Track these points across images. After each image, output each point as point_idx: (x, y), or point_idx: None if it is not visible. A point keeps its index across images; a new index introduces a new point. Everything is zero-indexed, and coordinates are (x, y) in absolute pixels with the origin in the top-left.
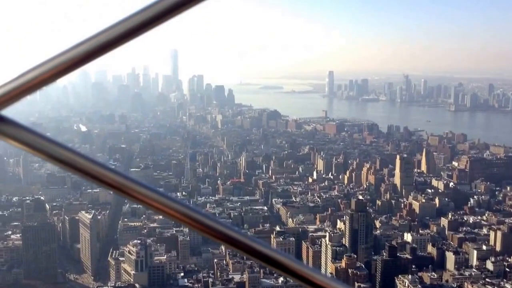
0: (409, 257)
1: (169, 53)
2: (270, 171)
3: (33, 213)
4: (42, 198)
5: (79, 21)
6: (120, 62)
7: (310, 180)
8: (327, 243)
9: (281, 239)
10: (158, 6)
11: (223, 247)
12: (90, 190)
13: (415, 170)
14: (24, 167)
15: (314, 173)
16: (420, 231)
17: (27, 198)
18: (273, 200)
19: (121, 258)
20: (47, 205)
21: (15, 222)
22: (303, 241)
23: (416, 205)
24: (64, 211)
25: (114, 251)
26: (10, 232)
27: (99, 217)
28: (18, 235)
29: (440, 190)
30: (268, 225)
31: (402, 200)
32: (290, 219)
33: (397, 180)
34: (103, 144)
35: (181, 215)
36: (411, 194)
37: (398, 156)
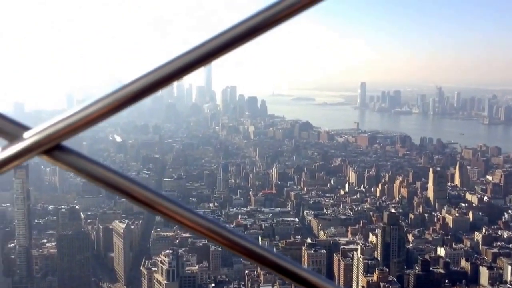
0: (442, 271)
1: None
2: (302, 183)
3: (68, 222)
4: (77, 207)
5: (79, 21)
6: None
7: (342, 192)
8: (359, 256)
9: (312, 252)
10: (215, 41)
11: None
12: (124, 200)
13: (449, 183)
14: (60, 176)
15: (346, 185)
16: (454, 246)
17: (63, 206)
18: (305, 212)
19: (153, 268)
20: (82, 214)
21: (51, 231)
22: (334, 254)
23: (449, 219)
24: (98, 220)
25: (147, 261)
26: (45, 240)
27: (132, 226)
28: (53, 243)
29: (474, 204)
30: (299, 237)
31: (435, 214)
32: (322, 231)
33: (430, 193)
34: (137, 154)
35: (208, 231)
36: (444, 208)
37: (431, 170)
